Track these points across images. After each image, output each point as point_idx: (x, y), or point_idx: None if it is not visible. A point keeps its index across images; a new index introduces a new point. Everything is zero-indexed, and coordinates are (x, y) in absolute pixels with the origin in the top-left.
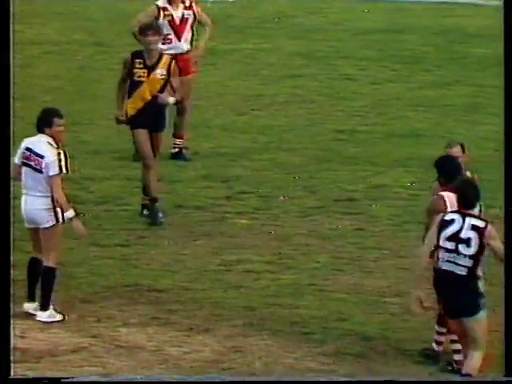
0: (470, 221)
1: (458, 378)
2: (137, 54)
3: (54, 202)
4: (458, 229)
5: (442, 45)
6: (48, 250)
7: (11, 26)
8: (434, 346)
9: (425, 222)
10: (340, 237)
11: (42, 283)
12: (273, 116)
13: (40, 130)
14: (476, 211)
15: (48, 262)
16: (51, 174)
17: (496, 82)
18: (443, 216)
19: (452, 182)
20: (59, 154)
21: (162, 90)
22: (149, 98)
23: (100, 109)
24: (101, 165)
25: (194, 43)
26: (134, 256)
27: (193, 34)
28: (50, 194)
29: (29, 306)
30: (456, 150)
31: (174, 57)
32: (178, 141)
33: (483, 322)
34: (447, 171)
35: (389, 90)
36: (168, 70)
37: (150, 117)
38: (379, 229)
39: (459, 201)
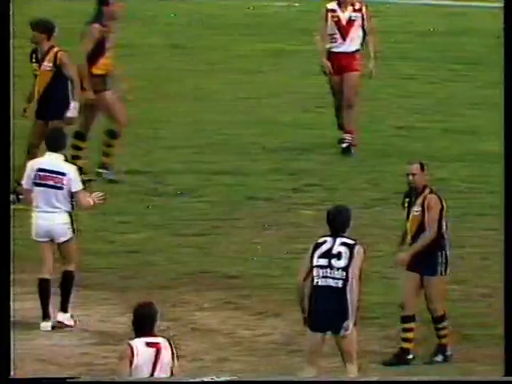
0: (340, 240)
1: (458, 378)
2: (34, 50)
3: (72, 217)
4: (329, 246)
5: (498, 47)
6: (67, 259)
7: (11, 27)
8: None
9: None
10: (401, 227)
11: (62, 287)
12: None
13: (55, 149)
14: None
15: (68, 266)
16: (75, 190)
17: None
18: (317, 239)
19: None
20: (79, 169)
21: (52, 82)
22: (42, 88)
23: (176, 107)
24: (178, 159)
25: (363, 44)
26: (209, 245)
27: (364, 35)
28: (67, 209)
29: (45, 325)
30: (415, 167)
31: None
32: (347, 136)
33: (353, 336)
34: None
35: (447, 89)
36: (54, 62)
37: (47, 108)
38: None
39: (329, 226)
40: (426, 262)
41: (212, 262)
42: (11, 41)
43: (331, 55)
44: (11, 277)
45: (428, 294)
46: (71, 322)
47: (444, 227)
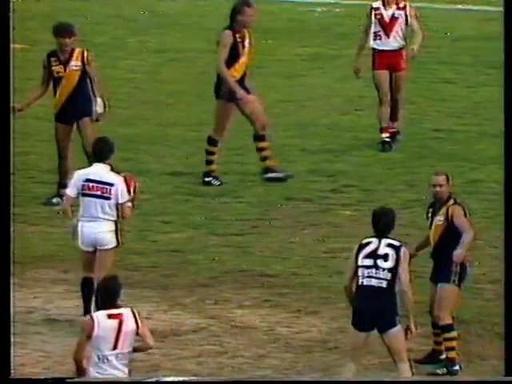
0: (386, 241)
1: (457, 378)
2: (52, 54)
3: (117, 226)
4: (375, 247)
5: None
6: (102, 270)
7: (11, 28)
8: None
9: None
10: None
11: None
12: (374, 116)
13: (102, 159)
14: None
15: (94, 275)
16: (122, 201)
17: None
18: (361, 241)
19: None
20: (125, 179)
21: (79, 82)
22: (70, 90)
23: None
24: (219, 160)
25: (407, 40)
26: (248, 244)
27: (404, 32)
28: (114, 218)
29: None
30: (441, 179)
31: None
32: (393, 124)
33: (399, 334)
34: None
35: (483, 93)
36: (82, 61)
37: (74, 108)
38: (474, 221)
39: (373, 227)
40: (442, 269)
41: (251, 261)
42: (11, 43)
43: (376, 53)
44: (11, 278)
45: (438, 299)
46: None
47: None
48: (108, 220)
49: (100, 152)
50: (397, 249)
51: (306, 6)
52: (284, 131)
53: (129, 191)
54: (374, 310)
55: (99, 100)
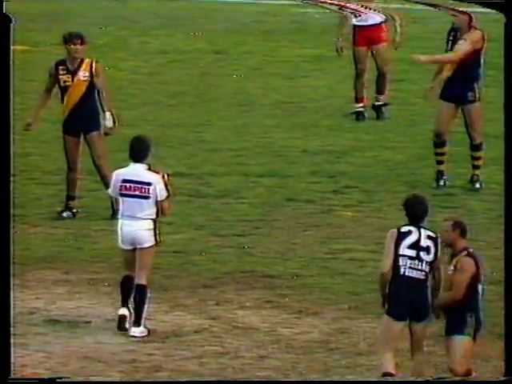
0: (425, 232)
1: (457, 379)
2: (60, 62)
3: (156, 224)
4: (416, 238)
5: None
6: (142, 269)
7: (11, 29)
8: None
9: None
10: (439, 228)
11: (135, 300)
12: (375, 117)
13: (139, 158)
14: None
15: (141, 280)
16: (161, 199)
17: None
18: (399, 228)
19: None
20: (163, 177)
21: (87, 92)
22: (76, 100)
23: (219, 111)
24: (220, 162)
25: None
26: (250, 245)
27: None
28: (153, 217)
29: (123, 310)
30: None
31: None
32: (380, 97)
33: (427, 326)
34: None
35: (484, 93)
36: (90, 72)
37: (81, 120)
38: (475, 221)
39: (409, 215)
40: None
41: (252, 262)
42: (11, 45)
43: (357, 29)
44: (11, 279)
45: None
46: (145, 334)
47: None
48: (148, 218)
49: (137, 152)
50: (435, 242)
51: (307, 7)
52: (285, 132)
53: (167, 188)
54: (414, 300)
55: (108, 114)
